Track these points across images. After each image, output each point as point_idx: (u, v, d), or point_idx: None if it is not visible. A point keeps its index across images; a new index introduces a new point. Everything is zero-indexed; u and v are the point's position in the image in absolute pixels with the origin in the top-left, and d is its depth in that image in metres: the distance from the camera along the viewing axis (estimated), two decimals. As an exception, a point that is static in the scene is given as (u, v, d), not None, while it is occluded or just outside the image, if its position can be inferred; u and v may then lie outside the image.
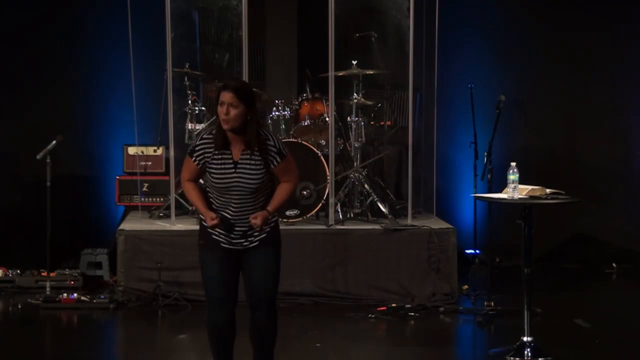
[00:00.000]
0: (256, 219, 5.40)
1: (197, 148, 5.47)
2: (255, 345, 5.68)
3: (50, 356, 7.30)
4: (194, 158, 5.47)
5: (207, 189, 5.56)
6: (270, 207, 5.48)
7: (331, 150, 8.87)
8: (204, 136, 5.48)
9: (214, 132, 5.47)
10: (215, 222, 5.40)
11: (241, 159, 5.44)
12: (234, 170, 5.43)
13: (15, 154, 9.93)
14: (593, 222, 10.42)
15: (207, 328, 5.66)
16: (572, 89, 10.56)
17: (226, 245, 5.52)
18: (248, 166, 5.44)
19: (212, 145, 5.45)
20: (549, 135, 10.65)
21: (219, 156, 5.45)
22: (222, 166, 5.44)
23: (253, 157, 5.45)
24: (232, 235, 5.50)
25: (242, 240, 5.52)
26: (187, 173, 5.55)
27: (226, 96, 5.37)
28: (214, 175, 5.44)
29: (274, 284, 5.59)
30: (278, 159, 5.49)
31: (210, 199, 5.54)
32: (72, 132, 9.61)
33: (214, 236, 5.51)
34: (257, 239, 5.53)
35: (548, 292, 8.79)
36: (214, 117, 5.69)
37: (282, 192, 5.54)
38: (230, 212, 5.48)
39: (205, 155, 5.46)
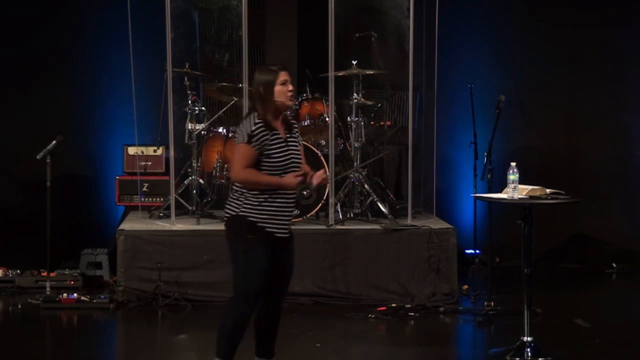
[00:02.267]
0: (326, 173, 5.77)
1: (255, 133, 5.58)
2: (266, 333, 5.87)
3: (50, 356, 7.30)
4: (253, 144, 5.58)
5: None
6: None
7: (331, 150, 8.87)
8: (256, 121, 5.61)
9: (258, 116, 5.61)
10: (300, 178, 5.60)
11: (287, 135, 5.72)
12: (286, 147, 5.68)
13: (15, 154, 9.92)
14: (593, 222, 10.42)
15: (235, 320, 5.67)
16: (572, 89, 10.56)
17: (280, 235, 5.68)
18: (294, 141, 5.77)
19: (266, 128, 5.60)
20: (549, 135, 10.65)
21: (274, 137, 5.64)
22: (279, 145, 5.66)
23: (292, 133, 5.76)
24: (286, 222, 5.68)
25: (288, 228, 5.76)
26: (246, 161, 5.60)
27: (287, 75, 5.70)
28: (276, 155, 5.63)
29: None
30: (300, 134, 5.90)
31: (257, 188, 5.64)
32: (72, 132, 9.60)
33: (267, 229, 5.62)
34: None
35: (548, 292, 8.79)
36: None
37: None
38: (285, 196, 5.67)
39: (263, 138, 5.60)
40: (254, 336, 5.90)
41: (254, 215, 5.63)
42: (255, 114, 5.66)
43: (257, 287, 5.66)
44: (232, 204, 5.71)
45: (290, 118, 5.85)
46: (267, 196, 5.63)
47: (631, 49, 10.44)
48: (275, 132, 5.65)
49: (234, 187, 5.73)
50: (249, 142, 5.59)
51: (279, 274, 5.77)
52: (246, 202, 5.64)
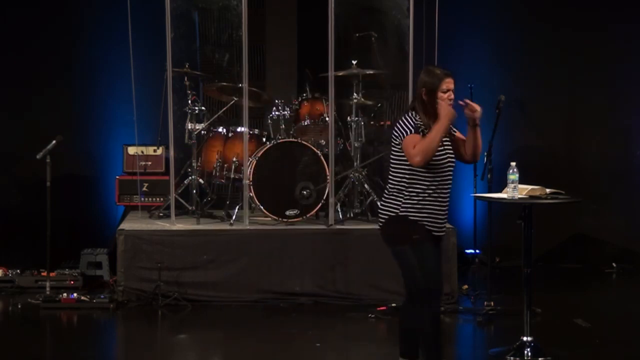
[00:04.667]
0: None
1: (417, 125, 5.62)
2: (433, 334, 5.79)
3: (50, 356, 7.30)
4: (420, 133, 5.60)
5: (410, 180, 5.62)
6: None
7: (331, 150, 8.87)
8: (417, 119, 5.64)
9: (416, 117, 5.64)
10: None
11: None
12: (442, 146, 5.68)
13: (15, 154, 9.92)
14: (593, 222, 10.42)
15: (426, 319, 5.71)
16: (572, 89, 10.56)
17: (437, 233, 5.70)
18: (448, 141, 5.76)
19: (426, 127, 5.62)
20: (549, 135, 10.65)
21: None
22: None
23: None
24: (443, 220, 5.71)
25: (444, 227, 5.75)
26: (414, 145, 5.57)
27: (452, 82, 5.70)
28: (435, 155, 5.62)
29: None
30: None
31: (416, 187, 5.62)
32: (72, 132, 9.61)
33: (427, 226, 5.63)
34: None
35: (548, 292, 8.79)
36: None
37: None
38: (443, 195, 5.67)
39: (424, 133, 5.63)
40: (401, 337, 5.90)
41: (415, 214, 5.62)
42: (414, 113, 5.68)
43: (434, 284, 5.70)
44: (391, 203, 5.68)
45: None
46: (426, 195, 5.62)
47: (631, 49, 10.43)
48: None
49: (390, 186, 5.71)
50: (417, 131, 5.60)
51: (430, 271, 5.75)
52: (406, 201, 5.63)
